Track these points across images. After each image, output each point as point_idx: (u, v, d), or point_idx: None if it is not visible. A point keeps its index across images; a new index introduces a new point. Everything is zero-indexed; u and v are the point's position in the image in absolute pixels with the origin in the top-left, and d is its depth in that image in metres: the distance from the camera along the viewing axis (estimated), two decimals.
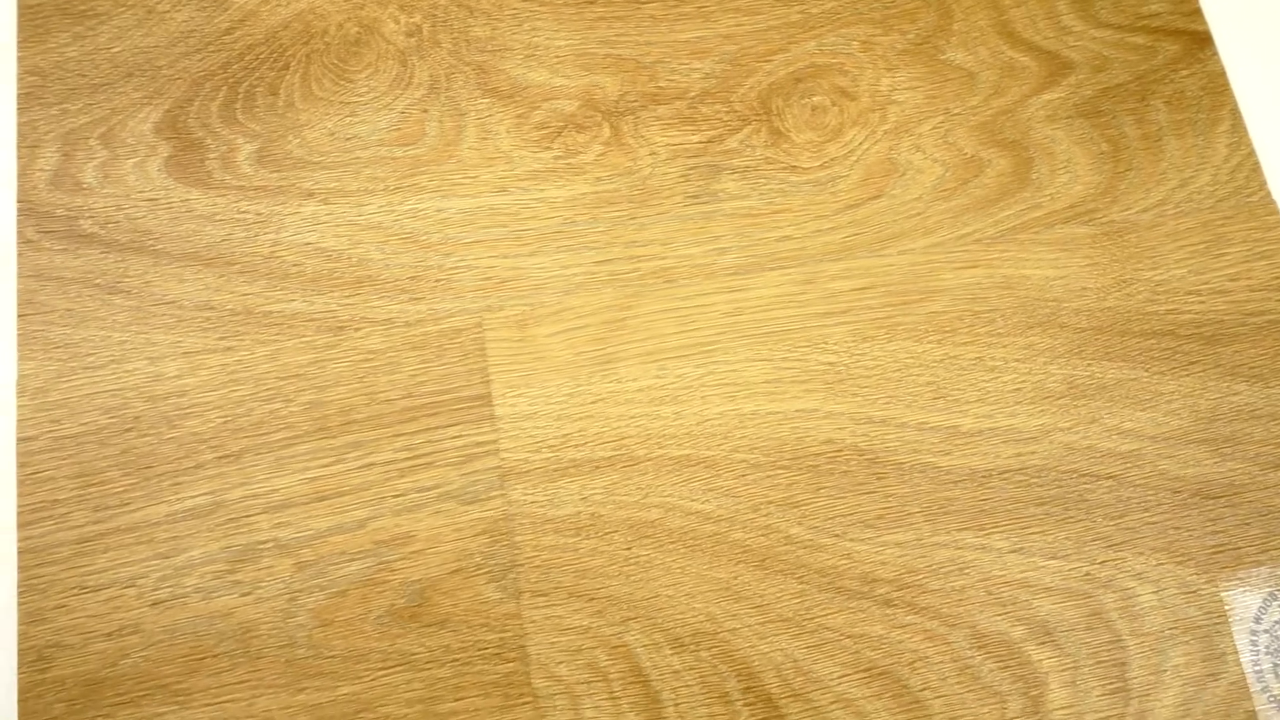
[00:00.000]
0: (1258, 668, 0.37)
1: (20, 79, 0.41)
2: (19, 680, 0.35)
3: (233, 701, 0.35)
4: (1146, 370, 0.40)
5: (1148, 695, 0.36)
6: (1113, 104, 0.43)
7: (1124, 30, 0.44)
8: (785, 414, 0.39)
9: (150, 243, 0.40)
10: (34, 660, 0.35)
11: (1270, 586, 0.38)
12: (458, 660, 0.36)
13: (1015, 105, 0.43)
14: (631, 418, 0.39)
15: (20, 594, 0.36)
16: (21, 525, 0.36)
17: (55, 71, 0.41)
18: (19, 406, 0.38)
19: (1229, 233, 0.42)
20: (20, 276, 0.39)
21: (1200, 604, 0.37)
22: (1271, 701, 0.37)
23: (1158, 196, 0.42)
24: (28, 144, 0.40)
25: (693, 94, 0.42)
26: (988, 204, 0.42)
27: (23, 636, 0.35)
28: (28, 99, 0.41)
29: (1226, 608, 0.37)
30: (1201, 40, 0.44)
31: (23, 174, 0.40)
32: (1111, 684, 0.36)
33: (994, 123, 0.43)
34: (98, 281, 0.39)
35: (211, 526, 0.37)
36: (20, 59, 0.41)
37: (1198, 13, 0.44)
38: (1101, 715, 0.36)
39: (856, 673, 0.36)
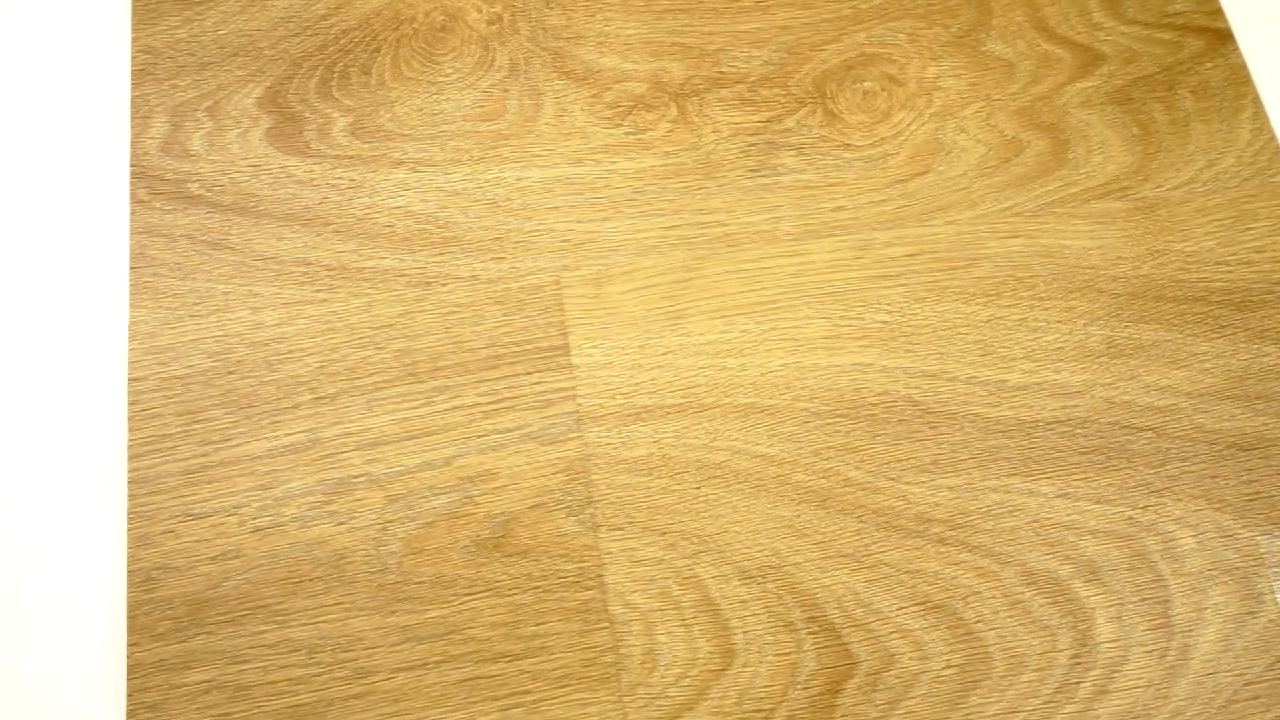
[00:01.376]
0: None
1: (134, 57, 0.44)
2: (128, 599, 0.37)
3: (328, 622, 0.37)
4: (1181, 332, 0.43)
5: (1190, 631, 0.38)
6: (1142, 92, 0.46)
7: (1151, 27, 0.47)
8: (843, 367, 0.42)
9: (252, 204, 0.43)
10: (142, 581, 0.38)
11: None
12: (539, 587, 0.38)
13: (1052, 93, 0.46)
14: (700, 368, 0.41)
15: (130, 520, 0.38)
16: (131, 457, 0.39)
17: (166, 51, 0.45)
18: (130, 350, 0.40)
19: (1254, 210, 0.45)
20: (132, 233, 0.42)
21: (1238, 547, 0.40)
22: None
23: (1187, 175, 0.45)
24: (140, 115, 0.44)
25: (752, 79, 0.46)
26: (1028, 180, 0.45)
27: (131, 559, 0.38)
28: (140, 75, 0.44)
29: (1262, 551, 0.40)
30: (1223, 36, 0.47)
31: (135, 141, 0.43)
32: (1155, 620, 0.39)
33: (1032, 108, 0.46)
34: (204, 238, 0.42)
35: (308, 461, 0.39)
36: (134, 39, 0.44)
37: (1219, 12, 0.48)
38: (1147, 649, 0.38)
39: (913, 605, 0.38)
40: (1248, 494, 0.40)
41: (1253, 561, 0.39)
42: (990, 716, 0.37)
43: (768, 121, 0.45)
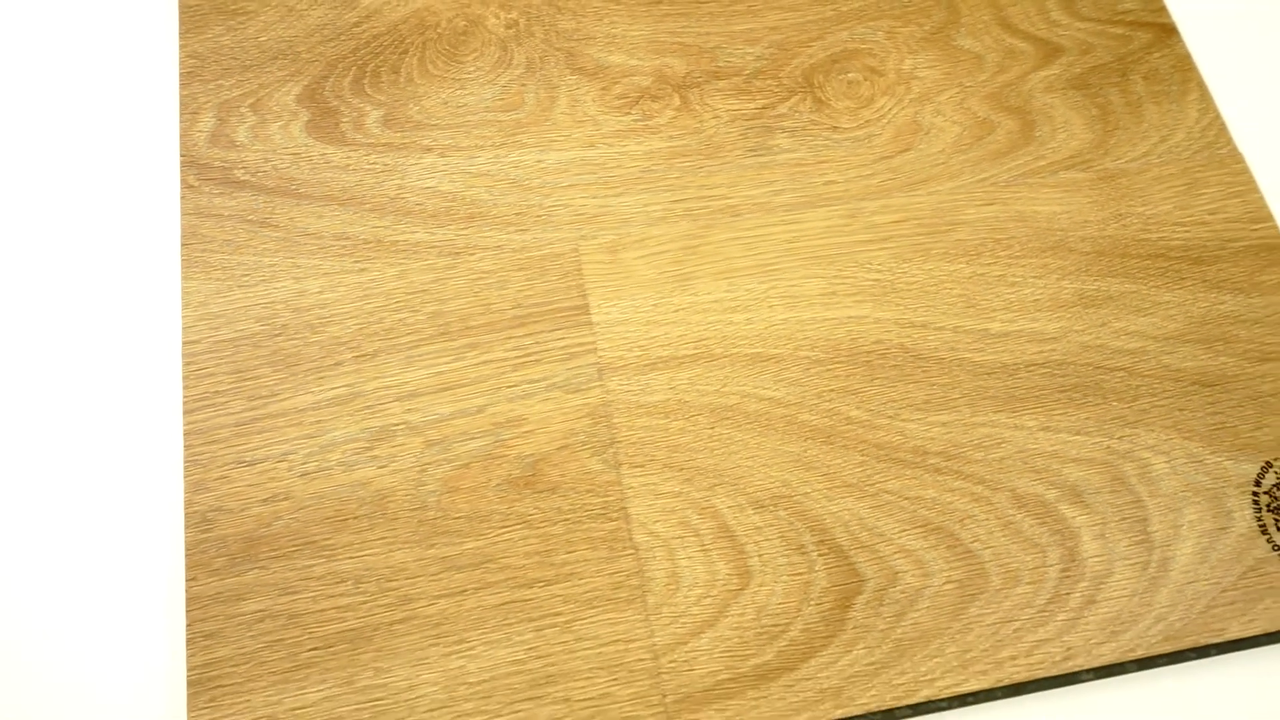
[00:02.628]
0: (1260, 522, 0.42)
1: (182, 61, 0.48)
2: (185, 538, 0.40)
3: (372, 555, 0.40)
4: (1145, 284, 0.47)
5: (1169, 545, 0.42)
6: (1099, 79, 0.51)
7: (1103, 22, 0.52)
8: (840, 320, 0.46)
9: (294, 187, 0.47)
10: (198, 522, 0.40)
11: (1265, 456, 0.44)
12: (568, 520, 0.41)
13: (1017, 80, 0.51)
14: (709, 324, 0.45)
15: (186, 468, 0.41)
16: (186, 412, 0.42)
17: (211, 55, 0.49)
18: (184, 317, 0.44)
19: (1205, 178, 0.49)
20: (183, 214, 0.46)
21: (1207, 471, 0.43)
22: (1274, 549, 0.42)
23: (1143, 149, 0.50)
24: (189, 111, 0.48)
25: (747, 72, 0.50)
26: (1000, 155, 0.49)
27: (188, 503, 0.41)
28: (188, 77, 0.48)
29: (1230, 474, 0.43)
30: (1168, 30, 0.52)
31: (184, 135, 0.47)
32: (1136, 537, 0.42)
33: (1001, 93, 0.51)
34: (250, 218, 0.46)
35: (351, 412, 0.42)
36: (181, 45, 0.49)
37: (1163, 9, 0.53)
38: (1130, 562, 0.41)
39: (914, 528, 0.42)
40: (1213, 424, 0.44)
41: (1221, 483, 0.43)
42: (988, 625, 0.40)
43: (762, 109, 0.50)
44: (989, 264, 0.47)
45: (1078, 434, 0.44)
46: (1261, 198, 0.49)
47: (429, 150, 0.48)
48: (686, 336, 0.45)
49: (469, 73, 0.49)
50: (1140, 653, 0.40)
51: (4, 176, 0.42)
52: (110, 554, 0.40)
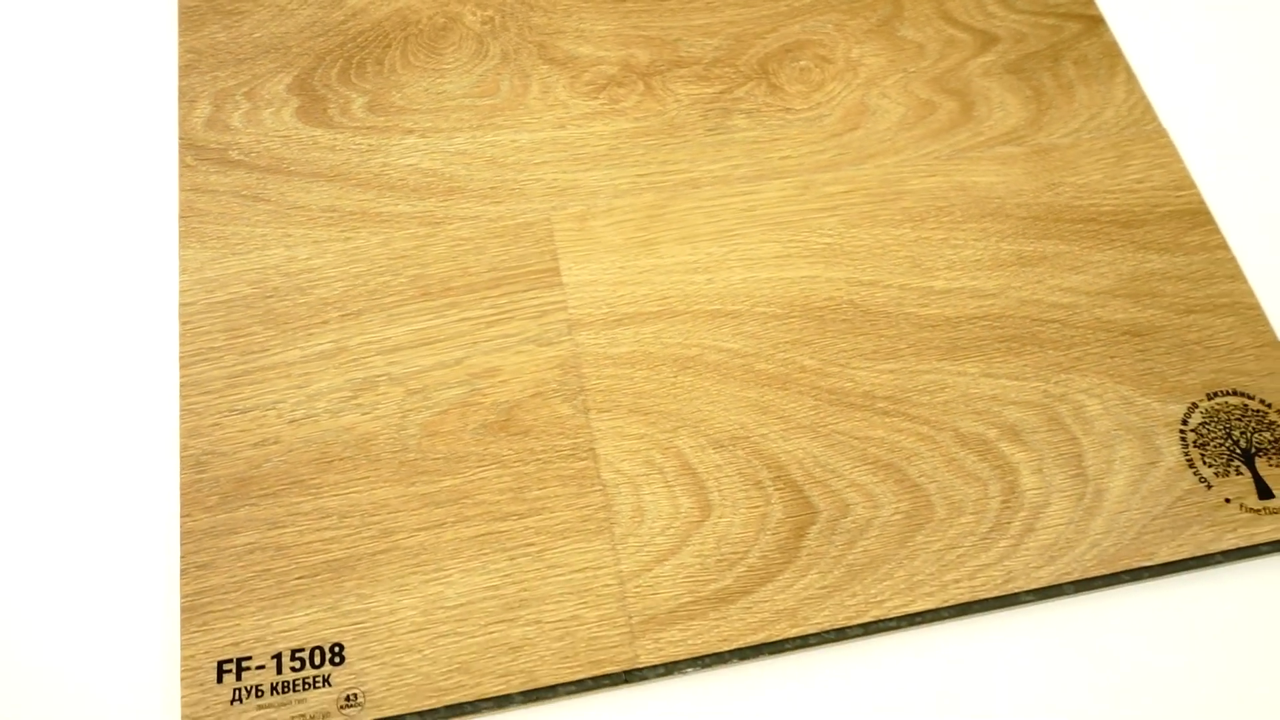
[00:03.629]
0: (1187, 457, 0.45)
1: (180, 55, 0.52)
2: (180, 479, 0.43)
3: (356, 492, 0.43)
4: (1079, 245, 0.50)
5: (1102, 478, 0.45)
6: (1033, 64, 0.55)
7: (1036, 14, 0.57)
8: (794, 279, 0.49)
9: (284, 166, 0.50)
10: (193, 465, 0.43)
11: (1191, 398, 0.47)
12: (540, 459, 0.44)
13: (957, 66, 0.55)
14: (672, 284, 0.48)
15: (181, 416, 0.44)
16: (183, 365, 0.45)
17: (208, 50, 0.53)
18: (180, 281, 0.47)
19: (1132, 151, 0.53)
20: (180, 190, 0.49)
21: (1137, 412, 0.46)
22: (1200, 481, 0.45)
23: (1074, 126, 0.54)
24: (187, 100, 0.51)
25: (706, 61, 0.54)
26: (942, 133, 0.53)
27: (183, 447, 0.43)
28: (187, 69, 0.52)
29: (1158, 414, 0.46)
30: (1096, 21, 0.57)
31: (183, 121, 0.51)
32: (1071, 471, 0.45)
33: (942, 78, 0.55)
34: (243, 193, 0.49)
35: (337, 365, 0.45)
36: (180, 41, 0.53)
37: (1092, 3, 0.57)
38: (1066, 494, 0.44)
39: (864, 465, 0.45)
40: (1142, 369, 0.47)
41: (1151, 422, 0.46)
42: (934, 551, 0.43)
43: (721, 93, 0.54)
44: (933, 229, 0.50)
45: (1016, 379, 0.47)
46: (1184, 167, 0.52)
47: (410, 132, 0.51)
48: (651, 295, 0.48)
49: (448, 63, 0.53)
50: (1076, 575, 0.43)
51: (21, 156, 0.45)
52: (111, 495, 0.43)
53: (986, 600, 0.42)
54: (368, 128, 0.51)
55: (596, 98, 0.53)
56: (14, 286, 0.46)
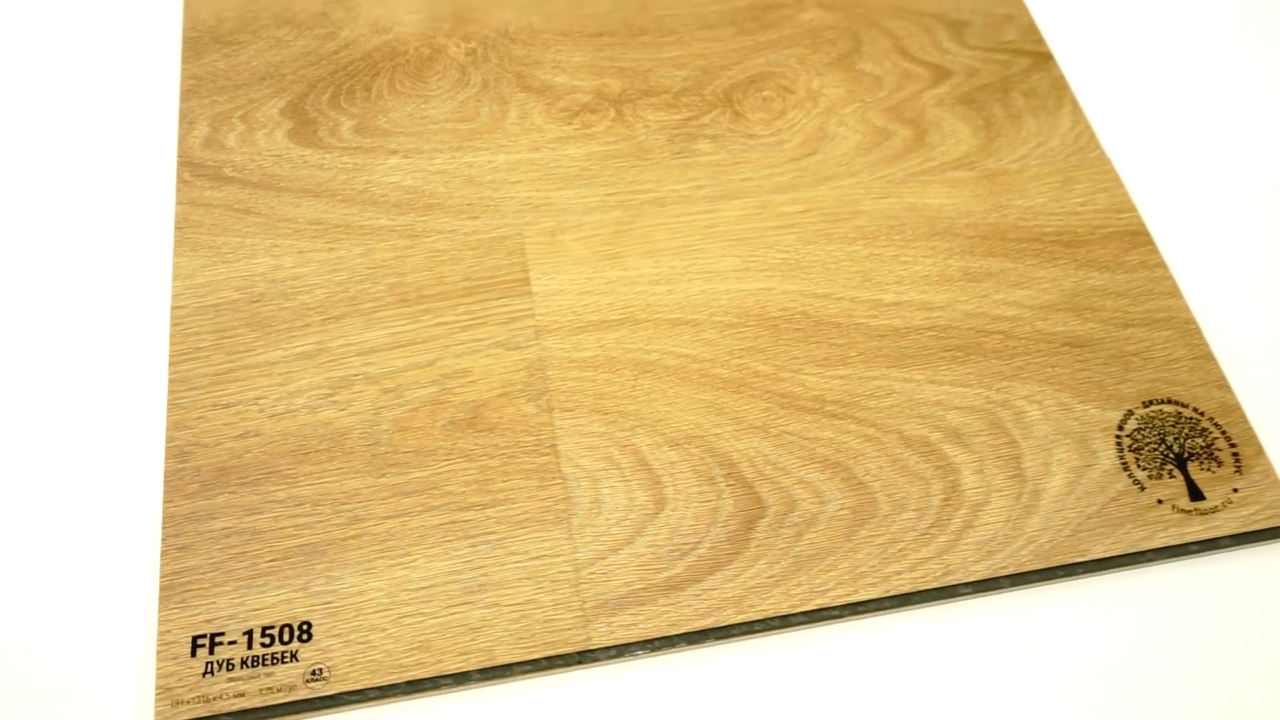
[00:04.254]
0: (1121, 460, 0.48)
1: (182, 81, 0.56)
2: (164, 468, 0.45)
3: (329, 482, 0.45)
4: (1023, 263, 0.53)
5: (1039, 479, 0.47)
6: (984, 96, 0.58)
7: (988, 51, 0.60)
8: (750, 291, 0.52)
9: (274, 182, 0.54)
10: (176, 454, 0.46)
11: (1127, 405, 0.49)
12: (504, 454, 0.47)
13: (912, 97, 0.58)
14: (635, 294, 0.51)
15: (168, 410, 0.47)
16: (171, 364, 0.48)
17: (208, 77, 0.57)
18: (173, 286, 0.50)
19: (1077, 176, 0.56)
20: (177, 204, 0.52)
21: (1076, 417, 0.49)
22: (1134, 483, 0.47)
23: (1022, 153, 0.57)
24: (186, 121, 0.55)
25: (675, 90, 0.58)
26: (896, 158, 0.56)
27: (169, 438, 0.46)
28: (188, 94, 0.56)
29: (1095, 420, 0.49)
30: (1045, 57, 0.60)
31: (182, 140, 0.54)
32: (1010, 472, 0.47)
33: (898, 108, 0.58)
34: (235, 207, 0.53)
35: (317, 365, 0.48)
36: (183, 68, 0.56)
37: (1041, 40, 0.61)
38: (1004, 494, 0.46)
39: (812, 463, 0.47)
40: (1081, 378, 0.50)
41: (1088, 427, 0.48)
42: (878, 545, 0.45)
43: (687, 119, 0.57)
44: (884, 246, 0.53)
45: (960, 386, 0.49)
46: (1126, 192, 0.55)
47: (394, 153, 0.55)
48: (615, 304, 0.51)
49: (432, 91, 0.57)
50: (1011, 570, 0.45)
51: (34, 169, 0.49)
52: (96, 482, 0.46)
53: (926, 592, 0.44)
54: (354, 148, 0.54)
55: (570, 123, 0.57)
56: (19, 286, 0.50)
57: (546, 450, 0.47)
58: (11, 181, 0.51)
